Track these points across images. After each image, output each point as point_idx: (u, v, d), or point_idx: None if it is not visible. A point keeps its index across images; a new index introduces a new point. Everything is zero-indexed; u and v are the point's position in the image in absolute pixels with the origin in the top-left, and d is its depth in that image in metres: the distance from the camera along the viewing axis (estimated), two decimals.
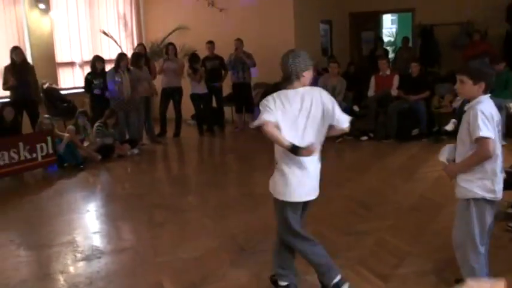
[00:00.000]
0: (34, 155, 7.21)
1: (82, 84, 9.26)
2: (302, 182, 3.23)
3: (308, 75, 3.23)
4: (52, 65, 9.95)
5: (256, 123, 3.17)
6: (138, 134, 8.96)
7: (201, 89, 9.71)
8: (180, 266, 4.10)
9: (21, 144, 7.06)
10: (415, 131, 8.65)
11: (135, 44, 11.12)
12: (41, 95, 9.10)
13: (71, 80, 10.51)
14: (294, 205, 3.29)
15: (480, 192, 3.10)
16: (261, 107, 3.22)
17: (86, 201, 6.25)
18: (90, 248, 4.56)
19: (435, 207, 5.21)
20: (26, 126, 8.25)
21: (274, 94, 3.22)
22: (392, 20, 18.66)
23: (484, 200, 3.12)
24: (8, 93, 8.45)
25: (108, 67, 9.03)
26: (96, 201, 6.29)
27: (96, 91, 8.65)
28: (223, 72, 10.09)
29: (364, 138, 8.83)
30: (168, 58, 9.63)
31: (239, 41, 9.80)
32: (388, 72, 9.13)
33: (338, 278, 3.38)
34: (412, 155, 7.70)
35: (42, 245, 4.69)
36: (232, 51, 9.87)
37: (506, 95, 7.73)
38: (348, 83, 9.39)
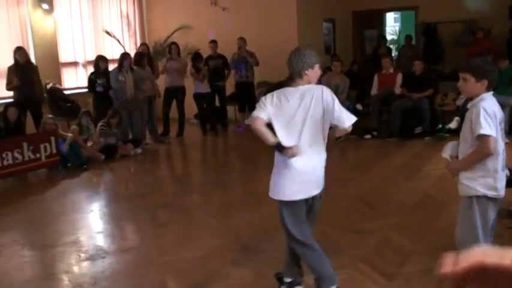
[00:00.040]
0: (38, 155, 7.23)
1: (85, 84, 9.28)
2: (290, 180, 3.19)
3: (312, 73, 3.20)
4: (55, 65, 9.96)
5: (248, 120, 3.20)
6: (141, 134, 8.97)
7: (204, 88, 9.71)
8: (183, 265, 4.10)
9: (25, 145, 7.07)
10: (418, 129, 8.63)
11: (138, 44, 11.12)
12: (45, 95, 9.11)
13: (75, 80, 10.53)
14: (288, 205, 3.26)
15: (482, 190, 3.09)
16: (257, 105, 3.25)
17: (89, 201, 6.27)
18: (94, 247, 4.57)
19: (439, 205, 5.20)
20: (30, 127, 8.26)
21: (275, 92, 3.23)
22: (395, 18, 18.59)
23: (486, 197, 3.11)
24: (11, 93, 8.45)
25: (111, 67, 9.05)
26: (99, 201, 6.30)
27: (99, 88, 8.66)
28: (226, 71, 10.09)
29: (368, 136, 8.82)
30: (171, 58, 9.63)
31: (242, 40, 9.79)
32: (391, 70, 9.10)
33: None
34: (415, 153, 7.68)
35: (46, 245, 4.70)
36: (235, 50, 9.87)
37: (511, 93, 7.71)
38: (351, 81, 9.39)
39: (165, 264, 4.12)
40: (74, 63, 10.53)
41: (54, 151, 7.40)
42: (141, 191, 6.45)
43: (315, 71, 3.23)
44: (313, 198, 3.31)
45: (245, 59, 9.80)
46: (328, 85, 3.30)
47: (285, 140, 3.16)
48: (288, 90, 3.21)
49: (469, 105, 3.17)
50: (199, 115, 10.23)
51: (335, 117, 3.15)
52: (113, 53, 10.73)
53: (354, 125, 3.27)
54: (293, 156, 3.11)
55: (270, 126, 3.21)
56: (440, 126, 8.55)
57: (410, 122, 8.65)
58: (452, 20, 11.19)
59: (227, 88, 10.25)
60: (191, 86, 9.71)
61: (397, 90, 8.88)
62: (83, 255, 4.41)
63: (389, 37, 15.80)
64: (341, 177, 6.35)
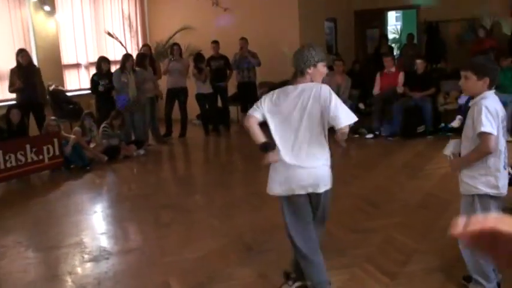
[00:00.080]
0: (41, 157, 7.24)
1: (88, 85, 9.29)
2: (278, 176, 3.24)
3: (315, 71, 3.18)
4: (58, 67, 9.98)
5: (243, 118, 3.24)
6: (144, 135, 8.98)
7: (206, 88, 9.71)
8: (186, 266, 4.10)
9: (28, 147, 7.09)
10: (420, 128, 8.62)
11: (140, 45, 11.14)
12: (47, 97, 9.13)
13: (77, 82, 10.55)
14: (285, 201, 3.28)
15: (484, 189, 3.09)
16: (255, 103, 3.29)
17: (93, 202, 6.28)
18: (98, 249, 4.57)
19: (442, 204, 5.19)
20: (33, 129, 8.28)
21: (277, 90, 3.26)
22: (396, 17, 18.57)
23: (488, 196, 3.11)
24: (14, 95, 8.49)
25: (113, 68, 9.06)
26: (103, 202, 6.31)
27: (100, 88, 8.66)
28: (228, 71, 10.09)
29: (370, 135, 8.82)
30: (173, 58, 9.64)
31: (244, 40, 9.80)
32: (393, 69, 9.09)
33: None
34: (418, 152, 7.67)
35: (50, 246, 4.71)
36: (237, 51, 9.87)
37: None
38: (353, 81, 9.38)
39: (168, 265, 4.12)
40: (76, 65, 10.56)
41: (57, 153, 7.41)
42: (144, 192, 6.45)
43: (318, 70, 3.20)
44: (317, 195, 3.24)
45: (247, 59, 9.81)
46: (329, 85, 3.28)
47: (281, 138, 3.19)
48: (288, 88, 3.23)
49: (470, 103, 3.17)
50: (201, 116, 10.24)
51: (330, 116, 3.08)
52: (115, 54, 10.76)
53: (356, 124, 3.24)
54: (273, 161, 3.20)
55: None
56: (442, 125, 8.54)
57: (413, 121, 8.64)
58: (454, 18, 11.17)
59: (229, 88, 10.25)
60: (193, 87, 9.72)
61: (399, 89, 8.87)
62: (86, 256, 4.42)
63: (391, 36, 15.78)
64: (344, 176, 6.34)
